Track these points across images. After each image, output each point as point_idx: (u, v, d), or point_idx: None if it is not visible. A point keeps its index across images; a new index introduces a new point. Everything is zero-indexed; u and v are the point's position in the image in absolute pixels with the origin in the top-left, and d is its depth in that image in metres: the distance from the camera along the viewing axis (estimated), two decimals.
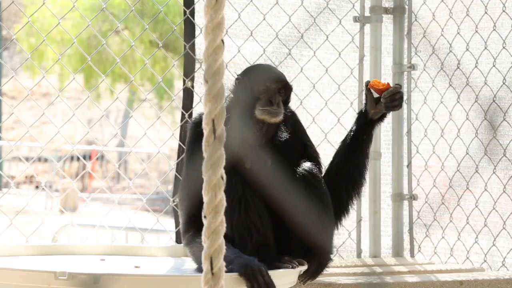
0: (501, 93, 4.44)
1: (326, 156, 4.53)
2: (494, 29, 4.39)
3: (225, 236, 1.79)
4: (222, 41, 1.77)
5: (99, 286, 2.85)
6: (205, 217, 1.75)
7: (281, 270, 3.17)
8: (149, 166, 21.19)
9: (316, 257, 3.33)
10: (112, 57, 16.89)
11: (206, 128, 1.75)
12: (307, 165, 3.45)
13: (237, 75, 3.42)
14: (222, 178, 1.75)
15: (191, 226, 3.24)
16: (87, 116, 22.38)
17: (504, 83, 4.39)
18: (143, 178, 21.77)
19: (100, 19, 17.75)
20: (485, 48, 4.43)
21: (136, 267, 3.36)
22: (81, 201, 16.66)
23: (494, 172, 4.41)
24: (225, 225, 1.76)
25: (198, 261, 3.25)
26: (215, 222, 1.74)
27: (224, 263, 1.74)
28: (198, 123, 3.34)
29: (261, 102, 3.25)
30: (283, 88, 3.31)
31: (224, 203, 1.75)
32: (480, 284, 3.82)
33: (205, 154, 1.75)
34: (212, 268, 1.73)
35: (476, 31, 4.49)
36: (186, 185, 3.31)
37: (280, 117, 3.27)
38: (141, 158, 17.86)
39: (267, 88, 3.27)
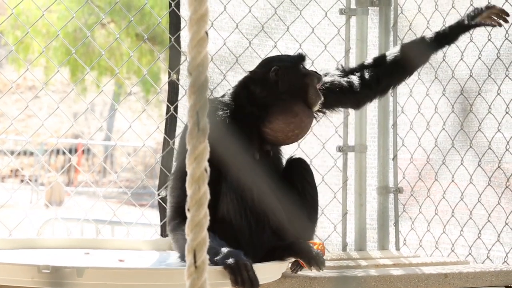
0: (488, 86, 4.43)
1: (312, 149, 4.54)
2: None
3: (211, 228, 1.78)
4: (206, 33, 1.75)
5: (83, 280, 2.84)
6: (188, 210, 1.74)
7: (266, 263, 3.17)
8: (136, 160, 21.15)
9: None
10: (99, 50, 16.84)
11: (190, 120, 1.74)
12: (302, 160, 3.64)
13: (273, 67, 3.48)
14: (206, 170, 1.73)
15: (178, 214, 3.27)
16: (73, 110, 22.31)
17: (489, 76, 4.39)
18: (130, 172, 21.73)
19: (86, 12, 17.67)
20: (471, 40, 4.43)
21: (120, 260, 3.35)
22: (67, 195, 16.61)
23: (479, 165, 4.41)
24: (208, 218, 1.74)
25: (180, 249, 3.27)
26: (198, 215, 1.73)
27: (208, 256, 1.72)
28: None
29: (310, 77, 3.47)
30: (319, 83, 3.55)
31: (208, 196, 1.73)
32: (464, 277, 3.82)
33: (188, 147, 1.74)
34: (195, 261, 1.71)
35: (471, 41, 4.48)
36: (179, 174, 3.32)
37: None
38: (127, 152, 17.83)
39: (317, 81, 3.50)
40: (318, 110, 3.68)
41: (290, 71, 3.47)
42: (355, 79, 3.73)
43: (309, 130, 3.55)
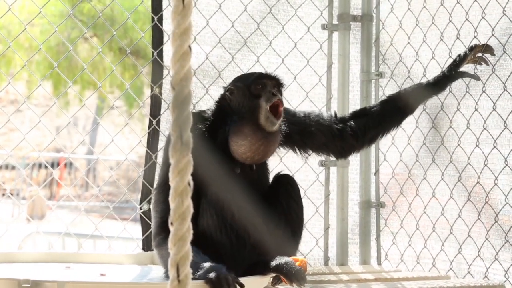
0: (468, 101, 4.46)
1: (294, 163, 4.55)
2: (458, 38, 4.42)
3: (195, 242, 1.78)
4: (189, 47, 1.76)
5: None
6: (171, 223, 1.74)
7: (248, 278, 3.17)
8: (118, 174, 21.07)
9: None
10: (82, 65, 16.79)
11: (173, 134, 1.74)
12: (289, 176, 3.64)
13: (228, 86, 3.52)
14: (189, 184, 1.73)
15: (163, 229, 3.26)
16: (56, 124, 22.22)
17: (467, 92, 4.42)
18: (112, 186, 21.64)
19: (69, 26, 17.63)
20: (450, 56, 4.45)
21: (102, 274, 3.34)
22: (48, 209, 16.52)
23: (459, 180, 4.43)
24: (191, 232, 1.74)
25: (166, 265, 3.25)
26: (181, 229, 1.73)
27: (191, 270, 1.73)
28: None
29: (264, 98, 3.40)
30: (277, 86, 3.48)
31: (191, 210, 1.73)
32: None
33: (171, 161, 1.74)
34: (178, 275, 1.71)
35: (442, 39, 4.52)
36: (162, 187, 3.32)
37: (282, 108, 3.42)
38: (110, 166, 17.77)
39: (264, 84, 3.44)
40: (303, 150, 3.70)
41: (241, 91, 3.45)
42: (344, 127, 3.73)
43: (271, 151, 3.47)
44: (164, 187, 3.30)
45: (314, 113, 3.76)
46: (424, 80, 3.99)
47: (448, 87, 3.92)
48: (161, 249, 3.25)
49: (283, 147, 3.69)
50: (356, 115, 3.81)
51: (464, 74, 3.84)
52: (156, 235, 3.31)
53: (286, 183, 3.60)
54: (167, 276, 3.26)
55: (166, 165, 3.35)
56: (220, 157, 3.35)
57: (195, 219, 3.24)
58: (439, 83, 3.83)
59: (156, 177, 4.30)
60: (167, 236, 3.21)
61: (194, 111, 3.60)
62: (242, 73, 4.01)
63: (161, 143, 4.30)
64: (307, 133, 3.67)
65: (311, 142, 3.70)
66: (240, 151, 3.38)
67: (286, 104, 4.55)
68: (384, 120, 3.78)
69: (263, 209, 3.44)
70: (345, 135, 3.71)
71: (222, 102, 3.51)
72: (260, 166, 3.56)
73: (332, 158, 4.09)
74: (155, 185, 3.55)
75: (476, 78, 3.91)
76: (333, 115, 3.79)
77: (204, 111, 3.53)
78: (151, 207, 3.60)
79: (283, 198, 3.54)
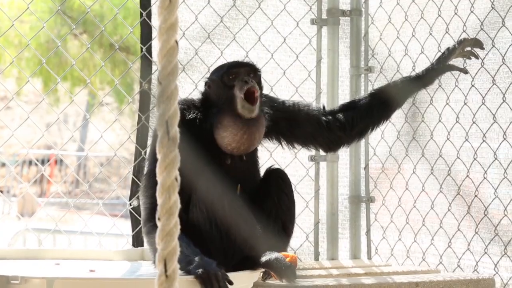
0: (457, 95, 4.47)
1: (284, 158, 4.55)
2: (447, 32, 4.43)
3: (188, 232, 1.77)
4: (176, 42, 1.76)
5: None
6: (159, 219, 1.73)
7: (238, 273, 3.17)
8: (109, 171, 21.04)
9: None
10: (71, 61, 16.74)
11: (159, 129, 1.74)
12: (280, 170, 3.62)
13: (207, 78, 3.52)
14: (176, 179, 1.73)
15: (153, 217, 3.21)
16: (46, 120, 22.17)
17: (456, 86, 4.42)
18: (104, 183, 21.62)
19: (59, 23, 17.57)
20: (439, 50, 4.46)
21: (91, 271, 3.34)
22: (39, 206, 16.48)
23: (449, 174, 4.44)
24: (179, 227, 1.74)
25: (154, 253, 3.23)
26: (169, 224, 1.72)
27: (178, 266, 1.72)
28: None
29: (237, 87, 3.36)
30: (252, 71, 3.45)
31: (179, 205, 1.73)
32: (435, 286, 3.84)
33: (159, 156, 1.74)
34: (166, 270, 1.71)
35: (431, 34, 4.52)
36: (153, 172, 3.27)
37: (257, 103, 3.37)
38: (100, 162, 17.73)
39: (237, 72, 3.41)
40: (289, 141, 3.68)
41: (216, 84, 3.44)
42: (331, 119, 3.71)
43: (256, 139, 3.43)
44: (154, 172, 3.23)
45: (302, 103, 3.74)
46: (412, 74, 3.97)
47: (436, 80, 3.91)
48: (151, 237, 3.22)
49: (270, 136, 3.66)
50: (344, 108, 3.79)
51: (452, 68, 3.84)
52: (147, 221, 3.28)
53: (278, 177, 3.59)
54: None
55: (155, 150, 3.31)
56: (209, 148, 3.34)
57: (185, 212, 3.23)
58: (427, 76, 3.82)
59: (146, 162, 4.28)
60: None
61: (183, 98, 3.56)
62: None
63: (151, 139, 4.28)
64: (294, 122, 3.65)
65: (298, 132, 3.67)
66: (225, 143, 3.37)
67: None
68: (372, 114, 3.77)
69: (254, 203, 3.43)
70: (333, 127, 3.69)
71: (205, 96, 3.50)
72: (250, 156, 3.53)
73: (321, 152, 4.07)
74: (144, 171, 3.50)
75: (464, 71, 3.91)
76: (322, 107, 3.77)
77: (193, 99, 3.51)
78: (139, 193, 3.55)
79: (275, 192, 3.53)
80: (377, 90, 3.87)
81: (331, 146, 3.80)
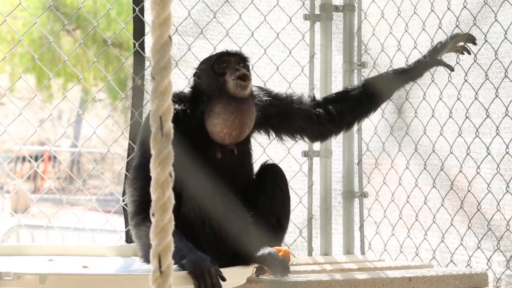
0: (450, 91, 4.48)
1: (277, 154, 4.55)
2: (440, 27, 4.43)
3: (182, 227, 1.77)
4: (169, 37, 1.75)
5: (46, 286, 2.82)
6: (153, 215, 1.73)
7: (231, 268, 3.17)
8: (103, 167, 21.02)
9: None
10: (64, 57, 16.68)
11: (153, 125, 1.73)
12: (275, 165, 3.61)
13: (195, 68, 3.52)
14: (170, 175, 1.73)
15: (143, 210, 3.19)
16: (40, 117, 22.13)
17: (449, 80, 4.43)
18: (98, 179, 21.60)
19: (52, 19, 17.53)
20: (432, 45, 4.45)
21: (84, 267, 3.33)
22: (32, 202, 16.46)
23: (442, 169, 4.45)
24: (173, 222, 1.74)
25: (143, 247, 3.20)
26: (163, 220, 1.72)
27: (173, 261, 1.72)
28: None
29: (229, 73, 3.36)
30: (242, 61, 3.46)
31: (173, 201, 1.72)
32: (428, 280, 3.85)
33: (153, 152, 1.73)
34: (160, 266, 1.71)
35: (424, 29, 4.53)
36: (142, 162, 3.25)
37: (250, 82, 3.38)
38: (94, 158, 17.71)
39: (227, 61, 3.42)
40: (278, 134, 3.67)
41: (206, 73, 3.43)
42: (321, 112, 3.70)
43: (247, 124, 3.40)
44: (144, 163, 3.14)
45: (295, 95, 3.72)
46: (403, 66, 3.97)
47: (425, 73, 3.89)
48: (139, 230, 3.18)
49: (260, 129, 3.64)
50: (335, 98, 3.79)
51: (440, 63, 3.83)
52: (135, 214, 3.23)
53: (273, 172, 3.57)
54: (145, 261, 3.22)
55: (145, 140, 3.25)
56: (199, 141, 3.33)
57: (177, 208, 3.22)
58: (416, 70, 3.81)
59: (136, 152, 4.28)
60: (147, 217, 3.18)
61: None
62: None
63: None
64: (286, 116, 3.64)
65: (288, 125, 3.66)
66: (217, 130, 3.35)
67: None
68: (361, 106, 3.77)
69: (248, 198, 3.42)
70: (323, 121, 3.69)
71: (194, 89, 3.49)
72: (241, 150, 3.50)
73: (306, 141, 4.08)
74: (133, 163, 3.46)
75: (451, 68, 3.91)
76: (312, 98, 3.76)
77: (183, 92, 3.51)
78: (126, 185, 3.51)
79: (269, 187, 3.51)
80: (367, 81, 3.88)
81: (319, 137, 3.84)
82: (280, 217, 3.53)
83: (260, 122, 3.56)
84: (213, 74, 3.40)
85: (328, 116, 3.69)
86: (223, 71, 3.39)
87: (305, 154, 4.60)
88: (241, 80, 3.34)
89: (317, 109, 3.69)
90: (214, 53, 3.81)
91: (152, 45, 1.72)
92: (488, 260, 4.23)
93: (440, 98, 4.45)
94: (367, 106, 3.79)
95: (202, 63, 3.54)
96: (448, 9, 4.40)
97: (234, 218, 3.28)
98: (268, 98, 3.62)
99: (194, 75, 3.49)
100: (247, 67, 3.46)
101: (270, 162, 3.68)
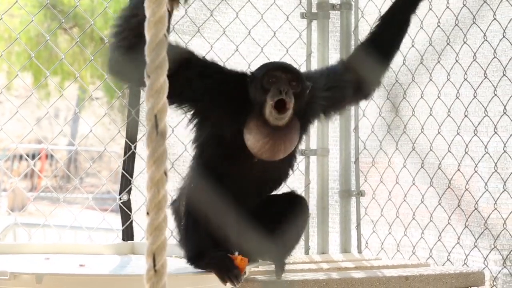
0: (447, 89, 4.48)
1: None
2: (438, 26, 4.43)
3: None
4: (165, 35, 1.75)
5: (42, 286, 2.81)
6: (148, 213, 1.73)
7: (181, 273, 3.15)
8: (101, 166, 21.02)
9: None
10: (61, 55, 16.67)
11: (148, 123, 1.73)
12: (304, 200, 3.59)
13: (250, 72, 3.32)
14: (165, 174, 1.73)
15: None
16: (37, 115, 22.10)
17: (448, 79, 4.43)
18: (95, 178, 21.59)
19: (49, 17, 17.51)
20: (430, 44, 4.46)
21: (81, 265, 3.32)
22: (29, 201, 16.45)
23: (439, 168, 4.45)
24: (167, 221, 1.74)
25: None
26: (158, 219, 1.71)
27: (167, 260, 1.72)
28: None
29: (270, 93, 3.13)
30: (295, 80, 3.20)
31: (167, 199, 1.72)
32: (425, 279, 3.85)
33: (147, 150, 1.73)
34: (155, 265, 1.70)
35: (421, 28, 4.52)
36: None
37: (287, 113, 3.15)
38: (91, 157, 17.71)
39: (277, 77, 3.17)
40: (328, 117, 3.50)
41: (255, 82, 3.22)
42: (358, 79, 3.48)
43: (281, 150, 3.21)
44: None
45: (332, 78, 3.47)
46: (399, 55, 3.85)
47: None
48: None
49: (311, 124, 3.50)
50: (361, 55, 3.56)
51: None
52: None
53: (301, 212, 3.48)
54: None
55: None
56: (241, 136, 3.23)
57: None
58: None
59: (136, 168, 4.28)
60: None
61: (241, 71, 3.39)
62: (221, 62, 3.96)
63: (141, 134, 4.28)
64: (331, 107, 3.47)
65: (334, 111, 3.51)
66: (248, 144, 3.20)
67: None
68: (388, 52, 3.62)
69: (267, 206, 3.38)
70: (362, 87, 3.50)
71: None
72: (280, 160, 3.30)
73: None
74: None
75: None
76: (344, 65, 3.54)
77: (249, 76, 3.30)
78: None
79: (293, 222, 3.40)
80: (373, 31, 3.66)
81: (365, 97, 3.65)
82: (292, 245, 3.51)
83: (310, 123, 3.45)
84: (259, 87, 3.19)
85: (364, 80, 3.49)
86: (268, 88, 3.16)
87: (302, 152, 4.59)
88: (277, 111, 3.12)
89: (353, 80, 3.49)
90: (270, 61, 3.57)
91: (147, 43, 1.72)
92: (485, 258, 4.24)
93: (438, 97, 4.45)
94: (392, 49, 3.63)
95: (259, 68, 3.32)
96: (447, 7, 4.39)
97: (237, 219, 3.25)
98: (319, 94, 3.39)
99: (248, 77, 3.28)
100: (299, 87, 3.21)
101: (298, 192, 3.62)
